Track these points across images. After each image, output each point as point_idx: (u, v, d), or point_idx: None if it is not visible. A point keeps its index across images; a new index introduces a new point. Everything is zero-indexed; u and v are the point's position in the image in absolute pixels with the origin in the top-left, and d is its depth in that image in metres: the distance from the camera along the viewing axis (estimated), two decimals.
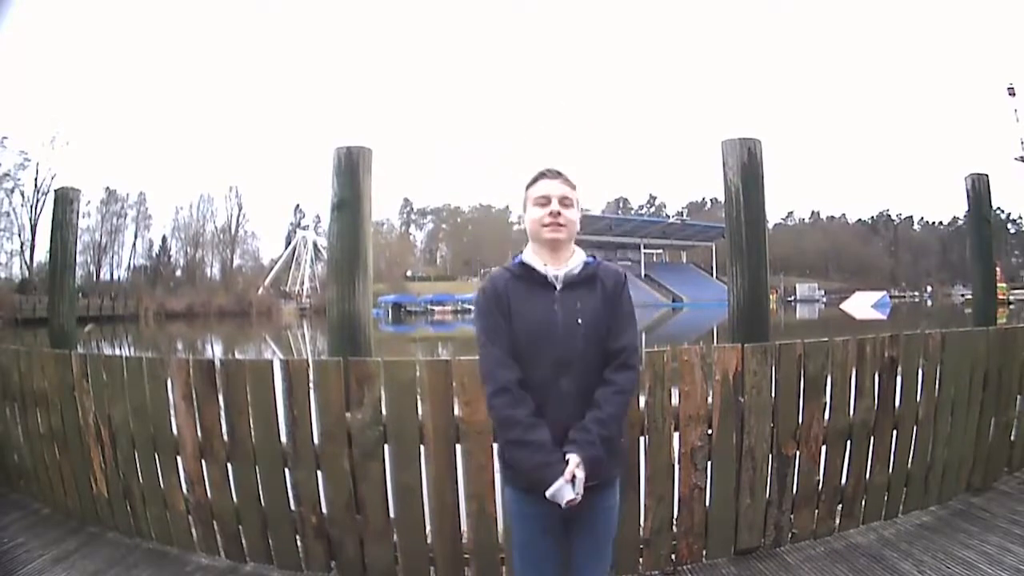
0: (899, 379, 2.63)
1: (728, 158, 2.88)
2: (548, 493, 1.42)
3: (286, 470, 2.34)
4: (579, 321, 1.51)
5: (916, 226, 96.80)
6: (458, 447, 2.23)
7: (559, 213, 1.55)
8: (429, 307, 53.32)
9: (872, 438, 2.59)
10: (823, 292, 69.42)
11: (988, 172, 4.06)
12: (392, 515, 2.28)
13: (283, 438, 2.33)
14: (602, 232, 63.68)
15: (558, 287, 1.54)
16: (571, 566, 1.62)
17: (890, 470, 2.65)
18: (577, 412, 1.47)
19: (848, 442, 2.54)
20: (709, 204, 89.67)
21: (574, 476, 1.42)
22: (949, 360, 2.74)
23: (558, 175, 1.59)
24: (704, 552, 2.38)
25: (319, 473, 2.31)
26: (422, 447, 2.24)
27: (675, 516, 2.35)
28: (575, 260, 1.58)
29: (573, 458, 1.43)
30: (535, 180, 1.60)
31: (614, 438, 1.53)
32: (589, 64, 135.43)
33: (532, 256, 1.59)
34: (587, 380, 1.50)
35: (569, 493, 1.41)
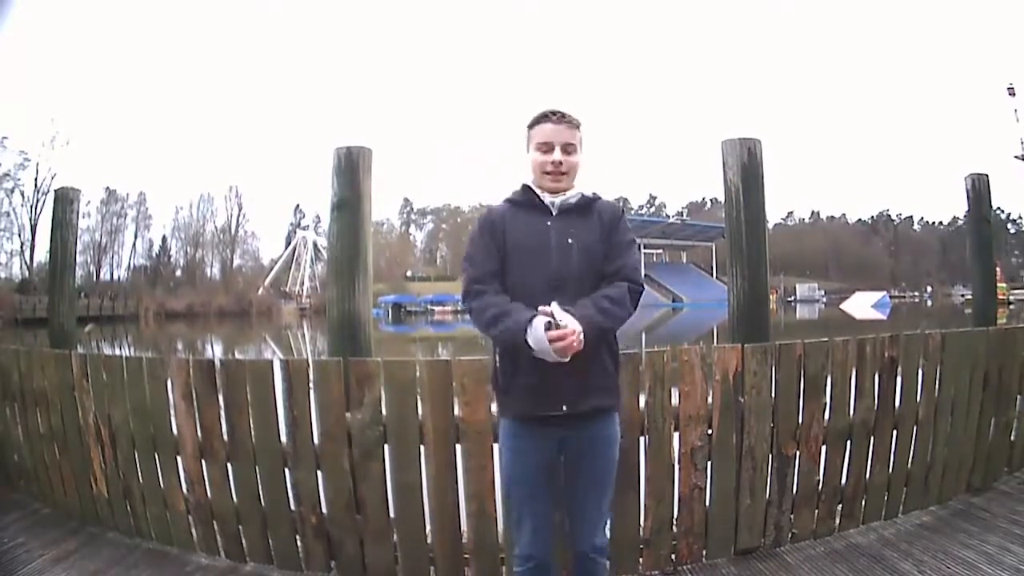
0: (899, 379, 2.63)
1: (728, 158, 2.88)
2: (531, 339, 1.40)
3: (286, 470, 2.34)
4: (569, 241, 1.55)
5: (916, 226, 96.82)
6: (458, 447, 2.23)
7: (561, 162, 1.57)
8: (429, 307, 53.32)
9: (872, 438, 2.59)
10: (823, 292, 69.40)
11: (988, 172, 4.05)
12: (392, 515, 2.28)
13: (283, 438, 2.33)
14: None
15: (554, 212, 1.59)
16: (571, 504, 1.62)
17: (890, 470, 2.65)
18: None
19: (848, 442, 2.54)
20: (709, 204, 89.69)
21: (553, 320, 1.40)
22: (949, 360, 2.74)
23: (562, 118, 1.58)
24: (704, 552, 2.38)
25: (319, 473, 2.31)
26: (422, 447, 2.24)
27: (675, 516, 2.35)
28: (573, 191, 1.62)
29: (558, 306, 1.42)
30: (537, 121, 1.60)
31: (614, 319, 1.51)
32: (589, 64, 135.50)
33: (530, 185, 1.63)
34: (577, 300, 1.50)
35: (544, 327, 1.38)
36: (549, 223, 1.57)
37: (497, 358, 1.60)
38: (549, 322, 1.40)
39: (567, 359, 1.40)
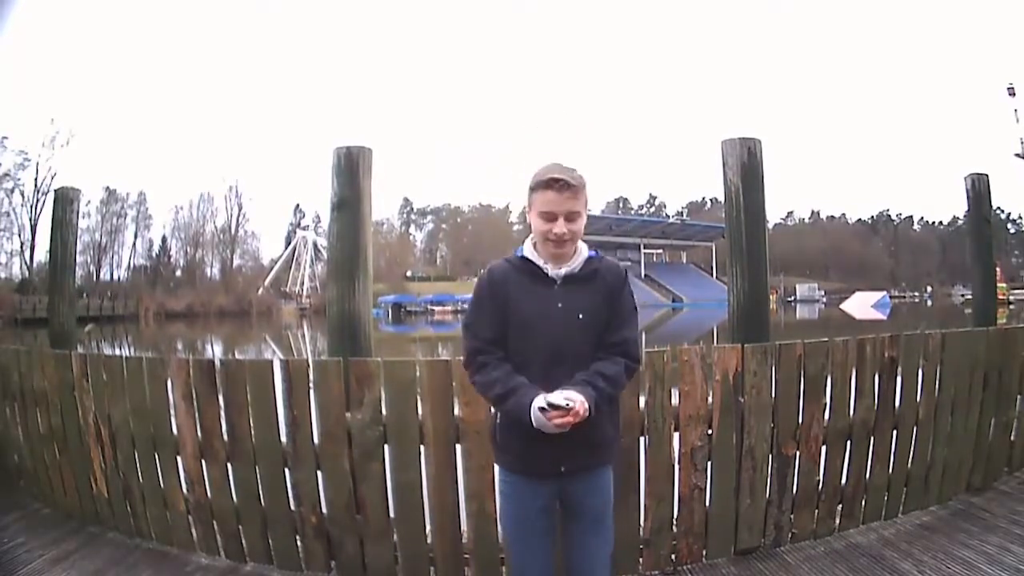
0: (899, 379, 2.63)
1: (728, 158, 2.88)
2: (534, 420, 1.42)
3: (286, 470, 2.34)
4: (579, 316, 1.52)
5: (916, 226, 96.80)
6: (458, 447, 2.23)
7: (564, 233, 1.52)
8: (429, 307, 53.32)
9: (872, 438, 2.59)
10: (823, 292, 69.37)
11: (988, 172, 4.06)
12: (392, 515, 2.28)
13: (283, 438, 2.33)
14: (602, 232, 63.64)
15: (558, 283, 1.56)
16: (572, 554, 1.61)
17: (890, 470, 2.64)
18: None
19: (848, 442, 2.54)
20: (709, 204, 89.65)
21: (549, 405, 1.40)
22: (949, 360, 2.74)
23: (566, 187, 1.50)
24: (704, 552, 2.38)
25: (319, 473, 2.31)
26: (422, 447, 2.24)
27: (675, 516, 2.35)
28: (577, 258, 1.58)
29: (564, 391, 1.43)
30: (539, 187, 1.52)
31: (613, 400, 1.56)
32: (589, 64, 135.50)
33: (533, 252, 1.58)
34: (579, 372, 1.51)
35: (545, 402, 1.40)
36: (553, 295, 1.54)
37: (497, 415, 1.61)
38: (549, 405, 1.41)
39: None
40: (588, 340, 1.53)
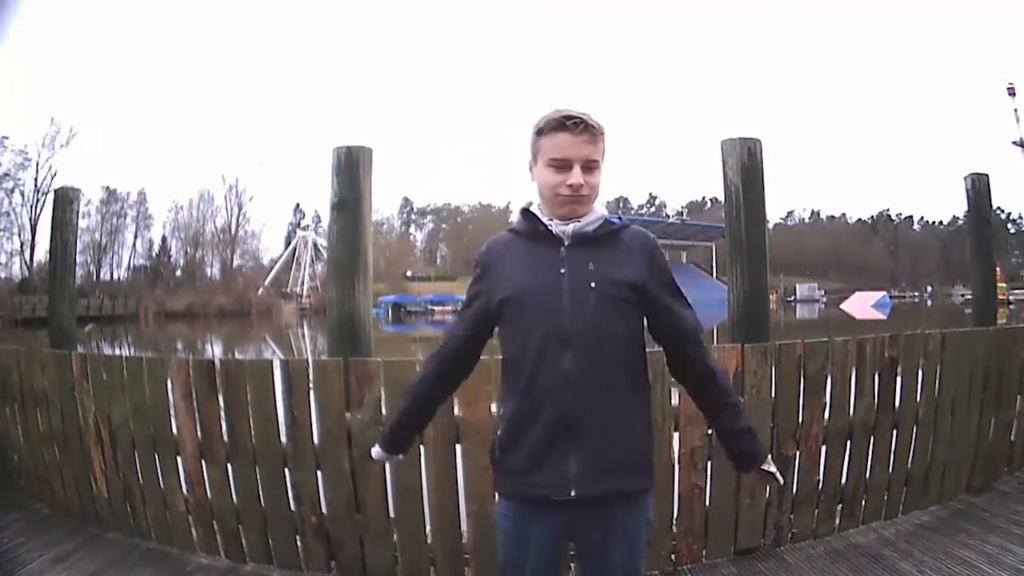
0: (899, 379, 2.63)
1: (728, 158, 2.88)
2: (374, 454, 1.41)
3: (286, 470, 2.34)
4: (592, 286, 1.18)
5: (916, 226, 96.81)
6: (458, 447, 2.23)
7: (582, 184, 1.19)
8: (429, 307, 53.26)
9: (872, 438, 2.59)
10: (823, 292, 69.38)
11: (988, 172, 4.06)
12: (392, 515, 2.28)
13: (283, 438, 2.33)
14: None
15: (566, 242, 1.22)
16: None
17: (890, 470, 2.64)
18: (580, 401, 1.15)
19: (848, 442, 2.54)
20: (709, 204, 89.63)
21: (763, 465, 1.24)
22: (949, 360, 2.74)
23: (584, 127, 1.19)
24: (704, 552, 2.38)
25: (319, 473, 2.31)
26: (422, 447, 2.24)
27: (675, 516, 2.35)
28: (592, 215, 1.24)
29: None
30: (551, 129, 1.21)
31: (649, 446, 1.27)
32: (589, 63, 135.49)
33: (538, 209, 1.27)
34: (595, 362, 1.17)
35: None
36: (557, 259, 1.21)
37: (498, 429, 1.29)
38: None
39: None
40: (603, 322, 1.17)
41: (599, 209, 1.25)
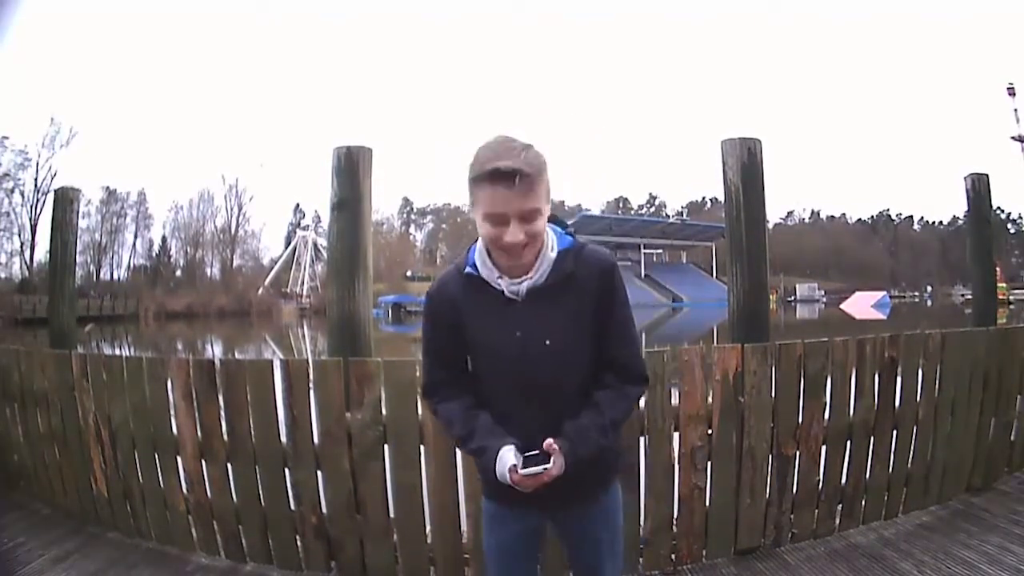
0: (899, 379, 2.63)
1: (728, 158, 2.88)
2: (499, 475, 1.17)
3: (286, 470, 2.34)
4: (546, 343, 1.19)
5: (916, 226, 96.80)
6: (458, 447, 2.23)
7: (520, 240, 1.13)
8: None
9: (872, 438, 2.59)
10: (823, 292, 69.34)
11: (988, 172, 4.06)
12: (392, 515, 2.28)
13: (283, 438, 2.33)
14: (602, 232, 63.68)
15: (520, 300, 1.21)
16: (573, 566, 1.43)
17: (890, 470, 2.64)
18: (547, 433, 1.19)
19: (848, 442, 2.54)
20: (709, 204, 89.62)
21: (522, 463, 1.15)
22: (949, 360, 2.74)
23: (515, 179, 1.08)
24: (704, 552, 2.38)
25: (319, 473, 2.31)
26: (422, 447, 2.24)
27: (675, 516, 2.35)
28: (542, 262, 1.20)
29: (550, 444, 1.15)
30: (481, 181, 1.11)
31: (610, 447, 1.28)
32: (589, 64, 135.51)
33: (485, 260, 1.22)
34: (558, 407, 1.22)
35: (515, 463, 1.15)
36: (512, 318, 1.20)
37: None
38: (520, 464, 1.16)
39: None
40: (566, 370, 1.22)
41: (550, 245, 1.21)
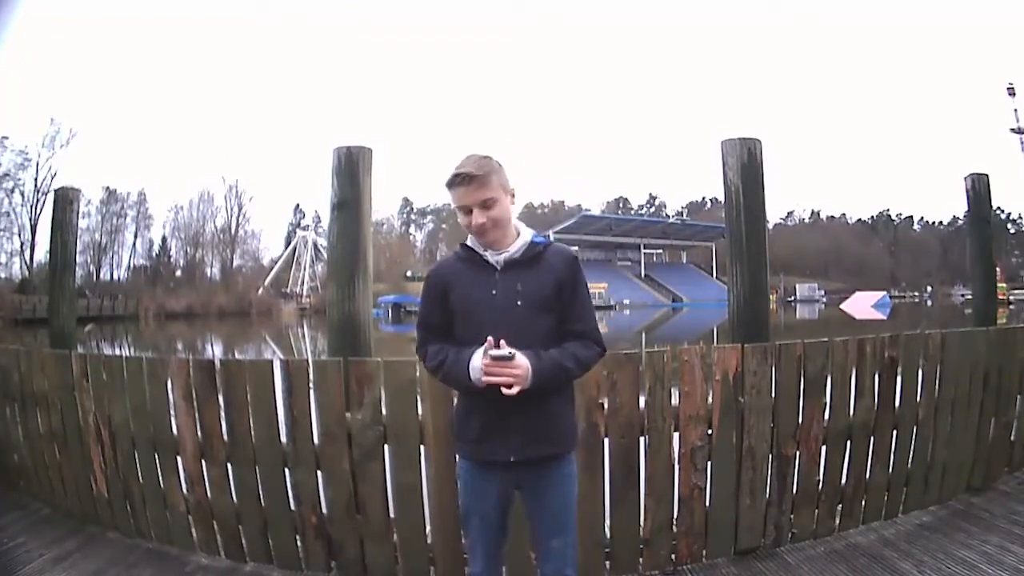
0: (899, 379, 2.63)
1: (728, 158, 2.88)
2: (471, 370, 1.44)
3: (286, 470, 2.34)
4: (518, 303, 1.52)
5: (916, 226, 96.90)
6: None
7: (483, 222, 1.52)
8: None
9: (872, 438, 2.59)
10: (823, 292, 69.36)
11: (988, 172, 4.07)
12: (392, 515, 2.28)
13: (283, 438, 2.33)
14: (602, 232, 63.73)
15: (499, 268, 1.55)
16: (535, 539, 1.64)
17: (890, 470, 2.64)
18: (519, 396, 1.44)
19: (848, 442, 2.54)
20: (709, 204, 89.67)
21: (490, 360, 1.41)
22: (949, 360, 2.74)
23: (469, 180, 1.50)
24: (704, 552, 2.38)
25: (319, 473, 2.31)
26: (422, 447, 2.24)
27: (675, 516, 2.35)
28: (518, 242, 1.56)
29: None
30: (450, 185, 1.54)
31: (569, 376, 1.52)
32: (589, 64, 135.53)
33: (475, 241, 1.58)
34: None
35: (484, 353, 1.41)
36: (494, 281, 1.54)
37: (455, 401, 1.65)
38: (491, 356, 1.42)
39: (511, 391, 1.41)
40: (533, 327, 1.51)
41: (525, 234, 1.58)
